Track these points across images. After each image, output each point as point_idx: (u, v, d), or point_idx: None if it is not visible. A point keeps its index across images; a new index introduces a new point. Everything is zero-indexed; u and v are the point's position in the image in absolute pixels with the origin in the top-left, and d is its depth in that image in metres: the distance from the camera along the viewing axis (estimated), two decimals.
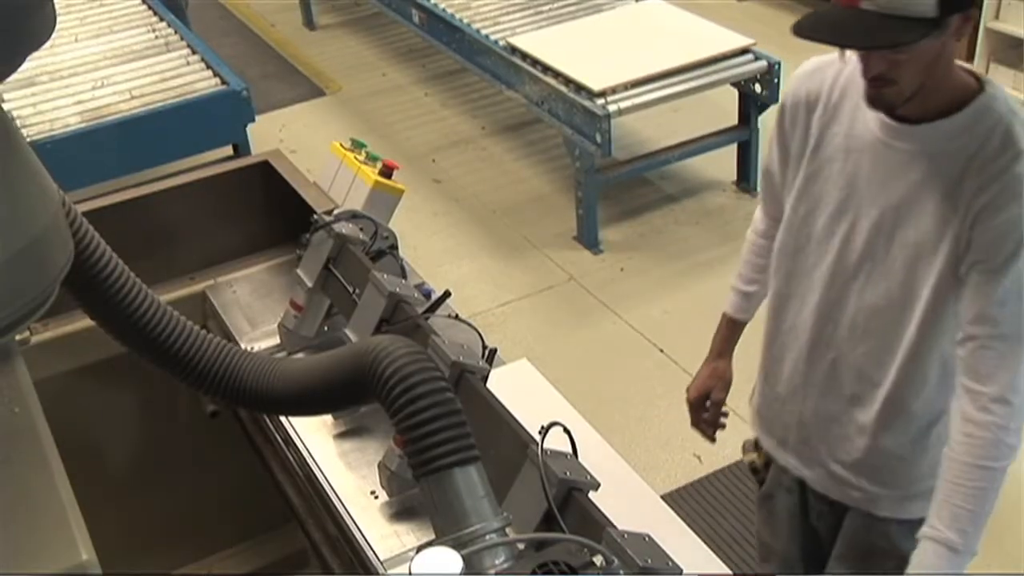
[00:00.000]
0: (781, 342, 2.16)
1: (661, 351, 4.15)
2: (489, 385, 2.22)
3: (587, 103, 4.43)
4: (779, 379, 2.18)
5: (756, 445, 2.36)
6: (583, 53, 4.74)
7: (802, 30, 1.73)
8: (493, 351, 2.00)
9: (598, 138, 4.38)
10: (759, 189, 2.32)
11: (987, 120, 1.80)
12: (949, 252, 1.85)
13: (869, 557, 2.18)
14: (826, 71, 1.97)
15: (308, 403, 1.61)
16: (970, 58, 5.68)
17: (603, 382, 3.94)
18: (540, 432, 1.61)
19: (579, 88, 4.52)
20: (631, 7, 5.31)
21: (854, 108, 1.91)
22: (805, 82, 2.00)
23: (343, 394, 1.55)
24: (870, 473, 2.10)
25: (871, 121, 1.88)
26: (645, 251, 4.79)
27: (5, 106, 1.14)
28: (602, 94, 4.45)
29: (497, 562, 1.38)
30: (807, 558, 2.33)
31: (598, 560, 1.39)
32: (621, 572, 1.39)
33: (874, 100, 1.83)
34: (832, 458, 2.14)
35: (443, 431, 1.40)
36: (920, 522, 1.88)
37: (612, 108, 4.39)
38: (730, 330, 2.37)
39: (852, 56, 1.87)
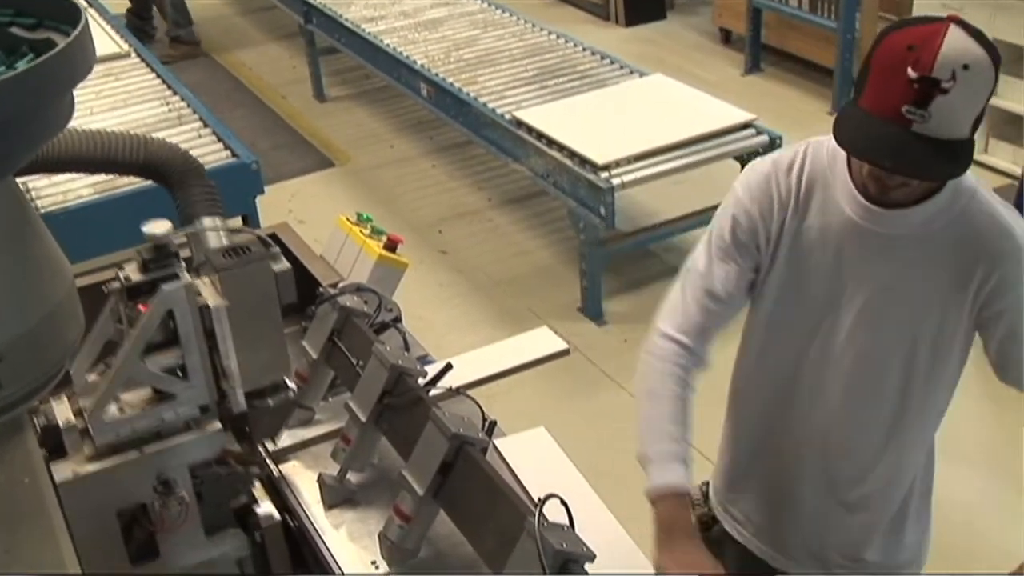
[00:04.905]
0: (767, 444, 2.20)
1: None
2: (504, 452, 2.29)
3: (591, 176, 4.50)
4: (762, 475, 2.23)
5: (705, 497, 2.39)
6: (587, 127, 4.83)
7: (856, 149, 1.79)
8: (493, 423, 2.03)
9: (602, 211, 4.44)
10: (684, 323, 2.08)
11: (960, 197, 1.89)
12: (951, 330, 1.95)
13: None
14: (781, 174, 2.00)
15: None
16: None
17: (606, 454, 3.94)
18: (536, 504, 1.64)
19: (583, 161, 4.60)
20: (635, 82, 5.41)
21: (823, 199, 1.95)
22: (762, 193, 2.01)
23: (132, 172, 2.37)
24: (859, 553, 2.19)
25: (845, 207, 1.92)
26: (649, 322, 4.79)
27: (20, 179, 1.19)
28: (606, 167, 4.52)
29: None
30: None
31: None
32: None
33: (881, 199, 1.88)
34: (825, 547, 2.20)
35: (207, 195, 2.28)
36: None
37: (616, 181, 4.45)
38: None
39: (813, 151, 1.98)
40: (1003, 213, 1.90)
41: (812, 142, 2.00)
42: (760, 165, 2.05)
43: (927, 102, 1.67)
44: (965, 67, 1.66)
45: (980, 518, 3.68)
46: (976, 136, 1.77)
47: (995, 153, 5.68)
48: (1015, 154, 5.50)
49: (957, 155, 1.74)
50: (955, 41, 1.67)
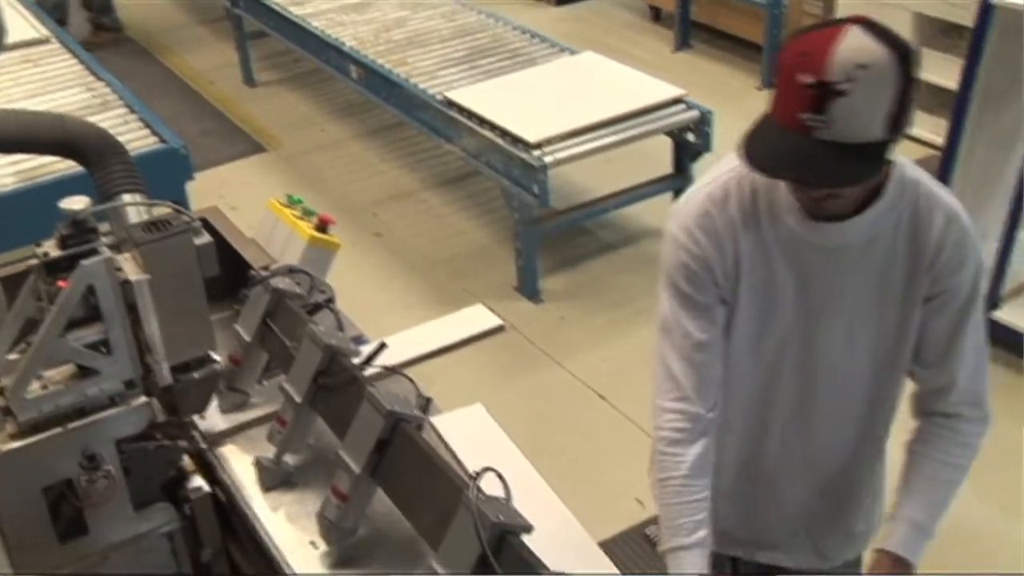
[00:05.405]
0: (747, 458, 2.17)
1: (602, 398, 4.20)
2: (441, 429, 2.31)
3: (524, 155, 4.50)
4: (744, 488, 2.21)
5: None
6: (519, 106, 4.83)
7: (758, 163, 1.72)
8: (428, 400, 2.04)
9: (535, 189, 4.45)
10: (677, 388, 1.98)
11: (906, 191, 1.88)
12: (912, 319, 1.96)
13: None
14: (717, 207, 1.93)
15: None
16: None
17: (545, 430, 3.98)
18: (472, 478, 1.64)
19: (515, 140, 4.60)
20: (566, 60, 5.42)
21: (771, 219, 1.91)
22: (704, 232, 1.93)
23: (50, 150, 2.37)
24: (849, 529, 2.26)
25: (793, 224, 1.89)
26: (585, 299, 4.85)
27: None
28: (538, 146, 4.52)
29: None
30: None
31: None
32: None
33: (816, 213, 1.84)
34: (817, 534, 2.24)
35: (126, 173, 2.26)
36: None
37: (548, 159, 4.46)
38: None
39: (748, 174, 1.89)
40: (945, 197, 1.91)
41: (738, 166, 1.90)
42: (692, 204, 1.96)
43: (824, 107, 1.63)
44: (863, 67, 1.63)
45: None
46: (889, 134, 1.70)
47: (918, 124, 5.74)
48: (937, 125, 5.59)
49: (866, 158, 1.68)
50: (852, 42, 1.64)
